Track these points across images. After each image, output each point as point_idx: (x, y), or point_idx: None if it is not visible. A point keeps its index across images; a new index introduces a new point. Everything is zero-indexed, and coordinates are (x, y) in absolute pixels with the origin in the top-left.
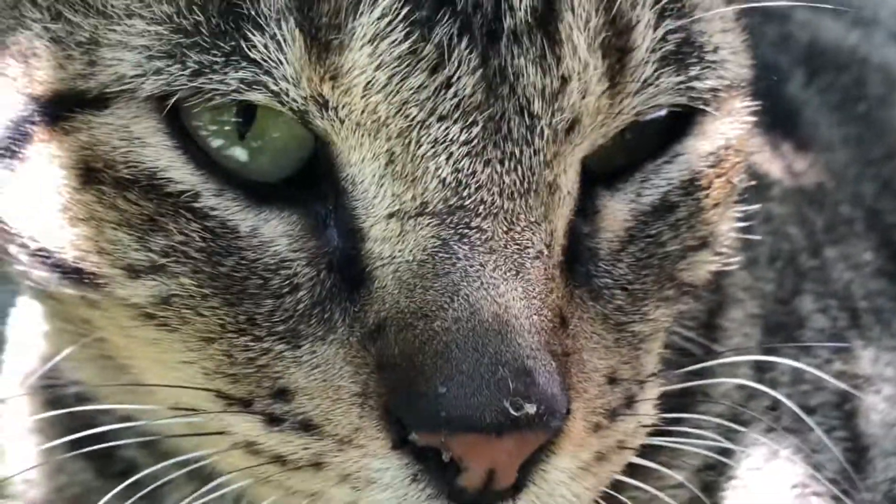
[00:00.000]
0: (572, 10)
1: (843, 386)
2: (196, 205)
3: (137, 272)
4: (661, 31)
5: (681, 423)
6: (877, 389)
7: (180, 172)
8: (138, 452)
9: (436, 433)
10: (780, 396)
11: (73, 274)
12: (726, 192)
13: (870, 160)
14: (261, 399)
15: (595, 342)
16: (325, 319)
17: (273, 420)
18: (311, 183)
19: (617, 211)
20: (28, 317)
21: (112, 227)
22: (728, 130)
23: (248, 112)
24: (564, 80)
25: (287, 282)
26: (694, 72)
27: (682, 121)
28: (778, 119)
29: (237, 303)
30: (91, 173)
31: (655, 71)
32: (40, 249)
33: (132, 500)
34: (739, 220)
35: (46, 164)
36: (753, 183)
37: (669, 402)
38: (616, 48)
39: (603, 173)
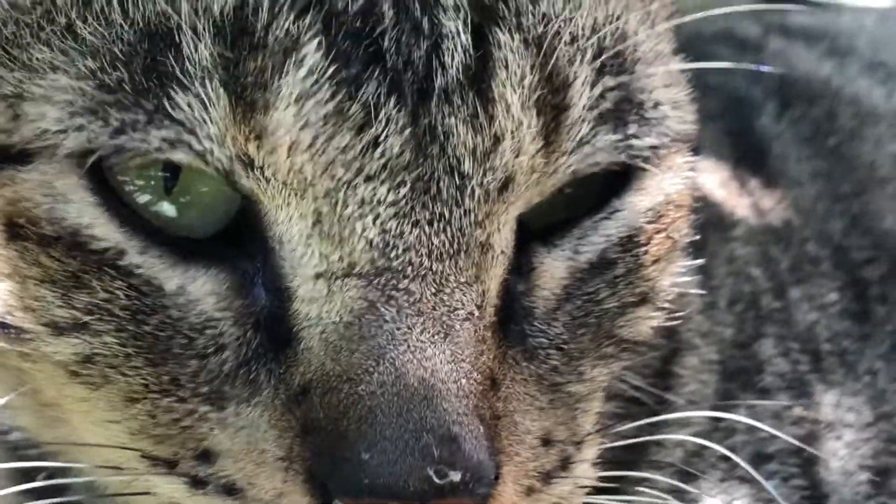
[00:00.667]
0: (506, 67)
1: (794, 442)
2: (121, 262)
3: (61, 329)
4: (598, 89)
5: (628, 479)
6: (838, 435)
7: (104, 230)
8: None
9: (358, 500)
10: (727, 452)
11: (0, 327)
12: (667, 248)
13: (839, 196)
14: (185, 461)
15: (528, 404)
16: (251, 381)
17: (197, 482)
18: (239, 240)
19: (554, 268)
20: None
21: (35, 283)
22: (668, 186)
23: (174, 168)
24: (497, 140)
25: (213, 342)
26: (633, 130)
27: (621, 177)
28: (748, 153)
29: (161, 362)
30: (15, 229)
31: (592, 129)
32: None
33: None
34: (700, 263)
35: None
36: (717, 221)
37: (617, 455)
38: (552, 106)
39: (539, 230)
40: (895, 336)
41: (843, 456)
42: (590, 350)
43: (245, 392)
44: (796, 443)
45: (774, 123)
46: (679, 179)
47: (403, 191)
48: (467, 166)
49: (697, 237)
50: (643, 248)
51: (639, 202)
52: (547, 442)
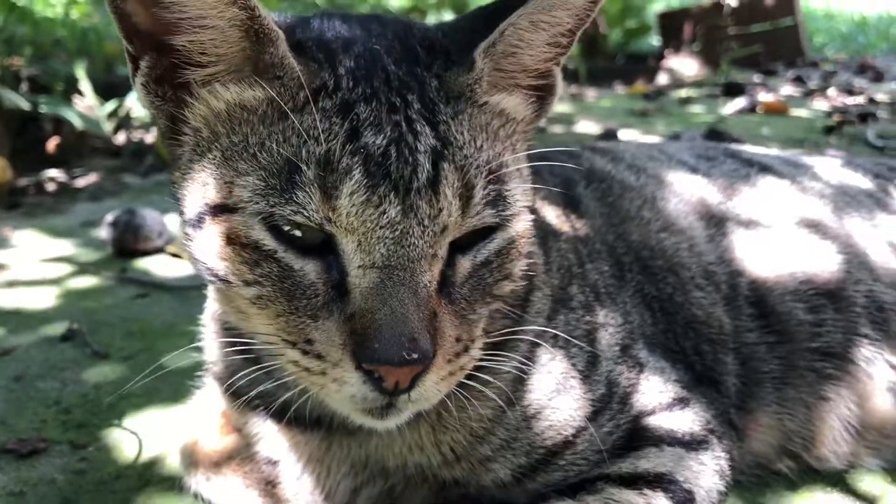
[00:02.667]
0: (446, 179)
1: (586, 328)
2: (276, 255)
3: (248, 283)
4: (486, 190)
5: (498, 358)
6: (605, 330)
7: (270, 242)
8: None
9: (373, 365)
10: (550, 329)
11: (221, 281)
12: (517, 254)
13: (612, 224)
14: (299, 343)
15: (449, 323)
16: (329, 309)
17: (304, 352)
18: (327, 249)
19: (465, 263)
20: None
21: (239, 262)
22: (519, 229)
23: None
24: (440, 211)
25: (313, 291)
26: (500, 208)
27: (493, 227)
28: (570, 203)
29: (290, 300)
30: (230, 238)
31: (483, 207)
32: (209, 269)
33: (258, 372)
34: (544, 251)
35: (211, 234)
36: (553, 232)
37: (496, 346)
38: (465, 197)
39: (461, 247)
40: (635, 286)
41: (607, 338)
42: (479, 300)
43: (326, 314)
44: (586, 328)
45: (584, 190)
46: (522, 226)
47: (398, 231)
48: (426, 221)
49: (543, 239)
50: (506, 255)
51: (504, 237)
52: (458, 340)
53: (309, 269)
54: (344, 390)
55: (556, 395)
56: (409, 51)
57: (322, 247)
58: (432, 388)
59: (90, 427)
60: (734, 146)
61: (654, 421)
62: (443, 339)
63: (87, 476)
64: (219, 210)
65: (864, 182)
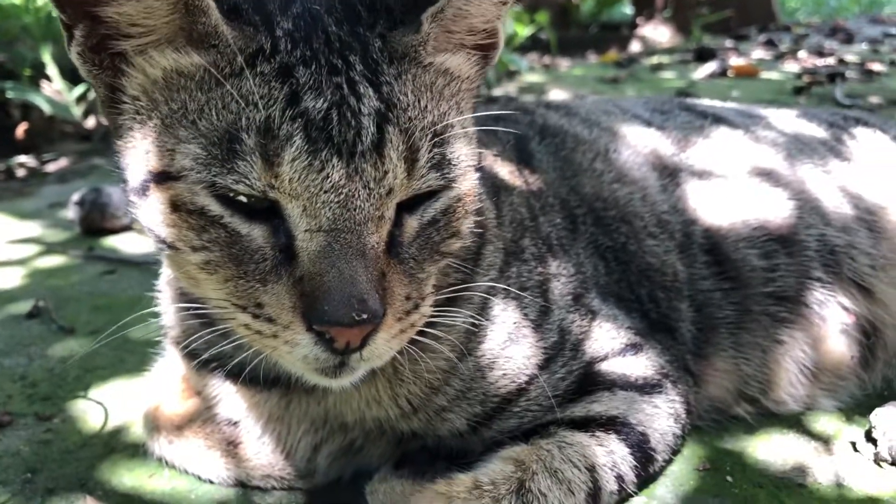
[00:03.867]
0: (391, 142)
1: (538, 279)
2: (222, 221)
3: (195, 248)
4: (431, 153)
5: (450, 312)
6: (557, 278)
7: (216, 207)
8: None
9: (323, 325)
10: (501, 285)
11: (169, 248)
12: (464, 212)
13: (565, 177)
14: (250, 307)
15: (398, 282)
16: (277, 273)
17: (255, 315)
18: (273, 213)
19: (412, 223)
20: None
21: (185, 229)
22: (464, 188)
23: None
24: (385, 173)
25: (261, 255)
26: (446, 171)
27: (439, 188)
28: (523, 158)
29: (239, 264)
30: (175, 205)
31: (428, 171)
32: (157, 236)
33: (213, 334)
34: (495, 204)
35: (156, 200)
36: (506, 187)
37: (449, 301)
38: (410, 160)
39: (407, 206)
40: (588, 238)
41: (560, 288)
42: (428, 258)
43: (274, 277)
44: (539, 279)
45: (537, 145)
46: (468, 185)
47: (342, 195)
48: (371, 185)
49: (495, 193)
50: (452, 213)
51: (450, 195)
52: (408, 298)
53: (256, 233)
54: (296, 352)
55: (509, 345)
56: (351, 10)
57: (268, 211)
58: (383, 346)
59: (56, 399)
60: (690, 100)
61: (606, 366)
62: (392, 298)
63: (52, 446)
64: (162, 178)
65: (818, 131)
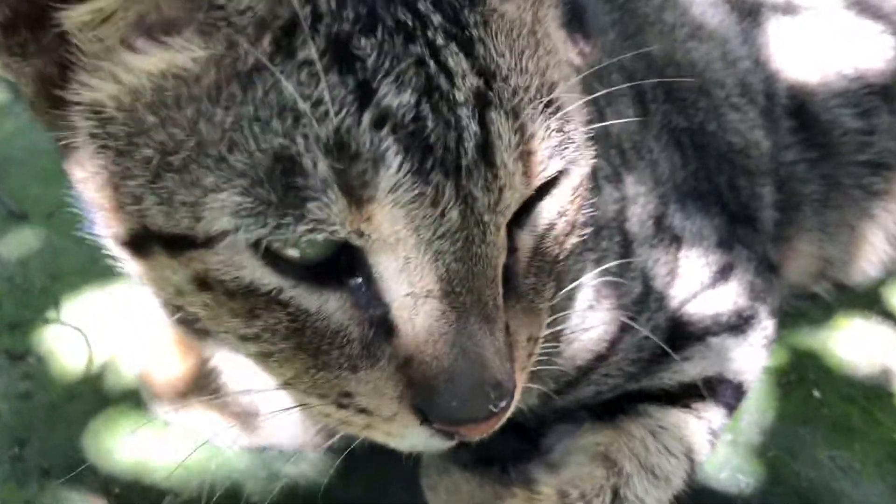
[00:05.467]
0: (501, 139)
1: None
2: (280, 297)
3: (247, 339)
4: (548, 132)
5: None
6: (634, 200)
7: (269, 279)
8: None
9: (450, 425)
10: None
11: (198, 328)
12: (582, 202)
13: (626, 35)
14: (332, 395)
15: (522, 324)
16: (372, 356)
17: (341, 406)
18: (347, 267)
19: (525, 240)
20: None
21: (225, 315)
22: (580, 174)
23: None
24: (501, 190)
25: (344, 338)
26: (567, 152)
27: (552, 178)
28: (573, 18)
29: (315, 354)
30: (204, 283)
31: (548, 160)
32: (175, 307)
33: None
34: None
35: (164, 268)
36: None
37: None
38: (526, 153)
39: (515, 216)
40: (661, 120)
41: (638, 213)
42: (547, 280)
43: (369, 362)
44: (615, 209)
45: None
46: (585, 169)
47: (458, 244)
48: (486, 217)
49: None
50: (570, 214)
51: (564, 190)
52: (529, 339)
53: (331, 307)
54: (401, 442)
55: (590, 313)
56: None
57: (342, 268)
58: (513, 406)
59: (24, 326)
60: None
61: (696, 308)
62: (517, 350)
63: (34, 400)
64: (177, 244)
65: None
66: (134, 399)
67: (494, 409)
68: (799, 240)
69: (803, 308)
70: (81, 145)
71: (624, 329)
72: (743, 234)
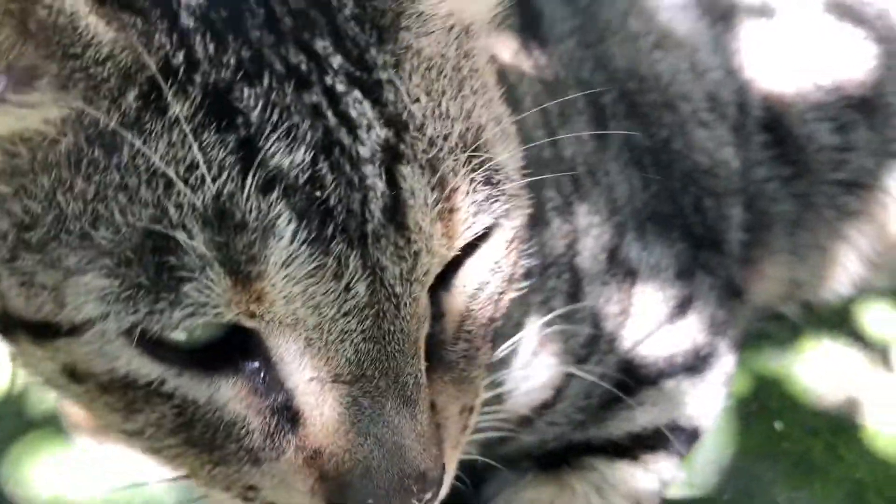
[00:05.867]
0: (413, 195)
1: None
2: (163, 388)
3: (131, 434)
4: (473, 186)
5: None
6: (587, 232)
7: (148, 368)
8: None
9: None
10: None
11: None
12: (515, 264)
13: (587, 44)
14: (237, 489)
15: (452, 399)
16: (276, 447)
17: (246, 499)
18: (241, 346)
19: (454, 304)
20: None
21: (102, 407)
22: (514, 227)
23: None
24: (416, 255)
25: (242, 429)
26: (496, 206)
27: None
28: (527, 22)
29: (210, 449)
30: (75, 374)
31: (474, 215)
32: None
33: None
34: None
35: (38, 359)
36: (511, 86)
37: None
38: (447, 210)
39: (440, 277)
40: (621, 139)
41: (591, 246)
42: (481, 345)
43: (274, 454)
44: (565, 243)
45: None
46: (519, 220)
47: (368, 322)
48: (399, 289)
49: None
50: (504, 269)
51: (497, 244)
52: (463, 410)
53: (224, 395)
54: None
55: (533, 358)
56: None
57: (228, 344)
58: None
59: None
60: None
61: (650, 350)
62: (447, 428)
63: None
64: (42, 332)
65: None
66: (57, 423)
67: (418, 503)
68: (768, 262)
69: (767, 329)
70: None
71: (571, 374)
72: (707, 259)
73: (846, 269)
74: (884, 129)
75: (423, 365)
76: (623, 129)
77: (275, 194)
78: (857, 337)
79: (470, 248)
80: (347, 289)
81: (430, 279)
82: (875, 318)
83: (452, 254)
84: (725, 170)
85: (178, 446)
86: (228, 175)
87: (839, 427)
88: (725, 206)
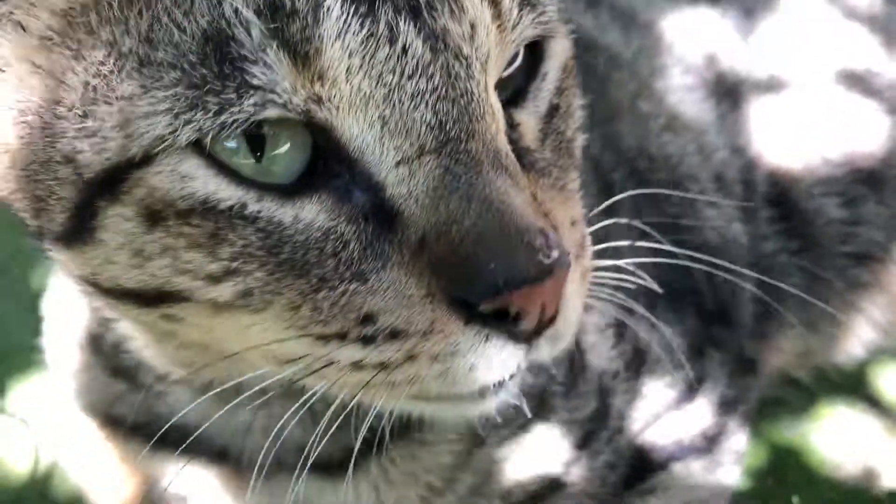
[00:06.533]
0: None
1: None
2: (245, 212)
3: (217, 279)
4: None
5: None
6: (592, 312)
7: (226, 191)
8: None
9: (501, 297)
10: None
11: (156, 300)
12: (574, 85)
13: (596, 119)
14: (352, 329)
15: (555, 202)
16: (379, 253)
17: (367, 340)
18: (325, 168)
19: (528, 119)
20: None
21: (185, 250)
22: (564, 50)
23: (256, 142)
24: (473, 26)
25: (338, 242)
26: (540, 9)
27: (538, 50)
28: None
29: (306, 272)
30: (155, 215)
31: (519, 12)
32: (127, 292)
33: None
34: None
35: (115, 224)
36: None
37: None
38: (492, 2)
39: (507, 100)
40: (628, 220)
41: (596, 321)
42: (569, 162)
43: (378, 263)
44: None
45: None
46: (568, 42)
47: (437, 79)
48: (466, 50)
49: None
50: (568, 90)
51: (555, 62)
52: (573, 223)
53: (309, 215)
54: (455, 367)
55: (535, 422)
56: None
57: (315, 170)
58: (576, 303)
59: None
60: None
61: (660, 433)
62: (559, 225)
63: None
64: (115, 178)
65: None
66: None
67: (547, 261)
68: (780, 335)
69: (782, 395)
70: None
71: (580, 446)
72: (718, 334)
73: (860, 337)
74: (893, 202)
75: (507, 144)
76: (630, 207)
77: None
78: (873, 402)
79: (530, 69)
80: (405, 50)
81: (492, 64)
82: (891, 382)
83: (508, 43)
84: (735, 245)
85: (270, 280)
86: None
87: (857, 499)
88: (737, 281)
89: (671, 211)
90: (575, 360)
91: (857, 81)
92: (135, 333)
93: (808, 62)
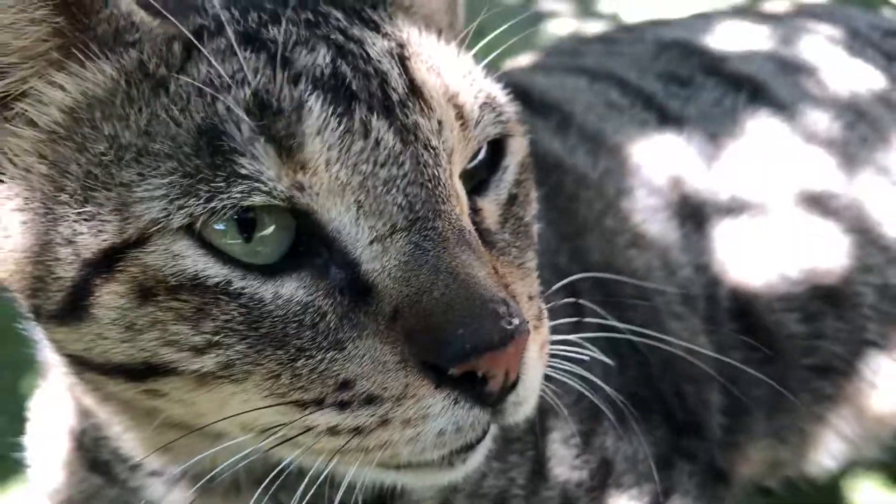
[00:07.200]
0: (426, 80)
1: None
2: (230, 289)
3: (201, 350)
4: (473, 91)
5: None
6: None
7: (213, 269)
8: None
9: (468, 362)
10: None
11: (143, 373)
12: (531, 182)
13: (564, 237)
14: (329, 395)
15: (514, 277)
16: (355, 324)
17: (343, 405)
18: (306, 248)
19: (489, 206)
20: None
21: (172, 323)
22: (523, 145)
23: (245, 226)
24: (440, 123)
25: (316, 315)
26: (498, 111)
27: (499, 147)
28: None
29: (285, 343)
30: (146, 291)
31: (480, 113)
32: (115, 366)
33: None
34: None
35: (109, 301)
36: None
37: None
38: (455, 104)
39: (474, 188)
40: (593, 329)
41: (562, 432)
42: (526, 241)
43: (354, 332)
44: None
45: None
46: (526, 141)
47: (407, 166)
48: (434, 142)
49: None
50: (525, 183)
51: (514, 158)
52: (530, 297)
53: (289, 290)
54: (426, 431)
55: None
56: None
57: (295, 252)
58: (536, 369)
59: None
60: (716, 44)
61: None
62: (517, 297)
63: None
64: (111, 258)
65: (874, 78)
66: None
67: (509, 326)
68: (749, 445)
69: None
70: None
71: None
72: (687, 445)
73: (828, 448)
74: (853, 318)
75: (470, 224)
76: (597, 316)
77: (302, 84)
78: None
79: (491, 162)
80: (377, 142)
81: (456, 158)
82: (865, 497)
83: (471, 140)
84: (701, 356)
85: (251, 352)
86: (262, 74)
87: None
88: (705, 392)
89: (637, 321)
90: (536, 463)
91: (816, 202)
92: (115, 417)
93: (769, 184)
